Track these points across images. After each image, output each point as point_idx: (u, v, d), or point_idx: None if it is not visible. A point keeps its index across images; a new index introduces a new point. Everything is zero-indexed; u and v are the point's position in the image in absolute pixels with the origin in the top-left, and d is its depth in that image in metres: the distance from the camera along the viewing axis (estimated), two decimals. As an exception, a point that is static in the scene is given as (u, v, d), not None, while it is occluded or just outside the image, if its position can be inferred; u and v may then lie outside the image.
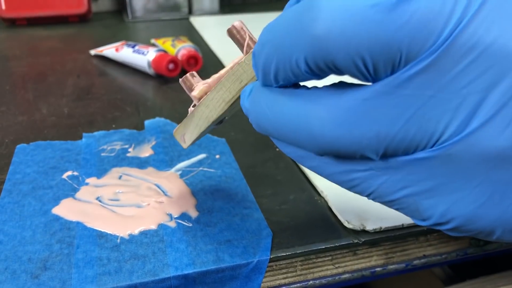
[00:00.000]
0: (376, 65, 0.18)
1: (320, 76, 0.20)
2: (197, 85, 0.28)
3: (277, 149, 0.42)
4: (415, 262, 0.33)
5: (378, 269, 0.32)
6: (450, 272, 0.46)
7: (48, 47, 0.72)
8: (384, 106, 0.18)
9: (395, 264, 0.32)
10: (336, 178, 0.21)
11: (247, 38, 0.25)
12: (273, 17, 0.88)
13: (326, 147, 0.20)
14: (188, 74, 0.29)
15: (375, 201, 0.21)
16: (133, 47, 0.61)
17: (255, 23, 0.84)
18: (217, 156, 0.40)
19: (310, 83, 0.22)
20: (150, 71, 0.58)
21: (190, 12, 0.88)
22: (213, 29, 0.81)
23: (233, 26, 0.26)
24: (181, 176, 0.38)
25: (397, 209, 0.21)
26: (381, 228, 0.31)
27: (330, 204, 0.34)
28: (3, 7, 0.80)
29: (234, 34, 0.25)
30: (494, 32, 0.17)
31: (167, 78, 0.58)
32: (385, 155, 0.19)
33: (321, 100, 0.20)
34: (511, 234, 0.19)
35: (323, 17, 0.18)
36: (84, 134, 0.44)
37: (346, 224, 0.32)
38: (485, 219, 0.19)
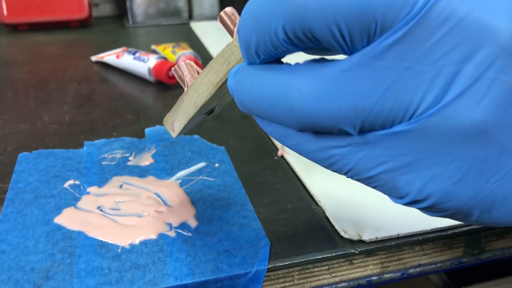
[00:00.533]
0: (352, 34, 0.18)
1: (299, 47, 0.20)
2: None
3: (276, 157, 0.42)
4: (411, 270, 0.33)
5: (374, 278, 0.33)
6: (446, 278, 0.46)
7: (50, 53, 0.72)
8: (361, 78, 0.18)
9: (390, 273, 0.33)
10: (316, 156, 0.22)
11: (238, 23, 0.25)
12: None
13: (305, 121, 0.20)
14: (177, 66, 0.28)
15: (353, 179, 0.21)
16: (133, 54, 0.62)
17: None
18: (217, 165, 0.41)
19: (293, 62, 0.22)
20: (151, 78, 0.59)
21: (191, 17, 0.88)
22: (213, 34, 0.82)
23: (224, 12, 0.25)
24: (181, 185, 0.38)
25: (375, 187, 0.21)
26: (377, 238, 0.32)
27: (327, 213, 0.34)
28: (5, 12, 0.81)
29: (225, 20, 0.25)
30: (468, 5, 0.17)
31: (167, 84, 0.58)
32: (363, 130, 0.19)
33: (300, 73, 0.20)
34: (489, 215, 0.19)
35: None
36: (85, 142, 0.45)
37: (342, 233, 0.32)
38: (462, 196, 0.19)
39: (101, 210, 0.35)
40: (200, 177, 0.39)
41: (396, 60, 0.18)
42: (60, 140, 0.45)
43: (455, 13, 0.17)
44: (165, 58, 0.59)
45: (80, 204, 0.36)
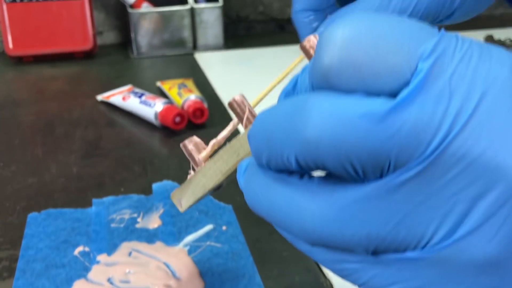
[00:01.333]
0: (365, 170, 0.19)
1: (310, 172, 0.21)
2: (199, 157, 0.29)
3: (282, 218, 0.43)
4: None
5: None
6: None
7: (55, 90, 0.73)
8: (374, 209, 0.19)
9: None
10: (328, 266, 0.22)
11: (247, 112, 0.26)
12: (275, 52, 0.89)
13: (317, 241, 0.20)
14: (186, 142, 0.29)
15: None
16: (139, 96, 0.62)
17: (258, 60, 0.84)
18: (224, 228, 0.41)
19: None
20: (157, 122, 0.59)
21: (195, 47, 0.89)
22: (217, 66, 0.82)
23: (234, 100, 0.26)
24: (189, 252, 0.39)
25: None
26: (384, 318, 0.32)
27: (334, 288, 0.35)
28: (10, 45, 0.81)
29: (235, 108, 0.26)
30: (483, 144, 0.17)
31: (174, 130, 0.59)
32: (376, 252, 0.20)
33: (312, 195, 0.20)
34: None
35: (314, 122, 0.19)
36: (93, 200, 0.45)
37: (350, 314, 0.33)
38: None
39: (111, 283, 0.35)
40: (208, 243, 0.40)
41: (410, 195, 0.18)
42: (69, 197, 0.46)
43: (469, 152, 0.17)
44: (171, 103, 0.60)
45: (90, 275, 0.36)
